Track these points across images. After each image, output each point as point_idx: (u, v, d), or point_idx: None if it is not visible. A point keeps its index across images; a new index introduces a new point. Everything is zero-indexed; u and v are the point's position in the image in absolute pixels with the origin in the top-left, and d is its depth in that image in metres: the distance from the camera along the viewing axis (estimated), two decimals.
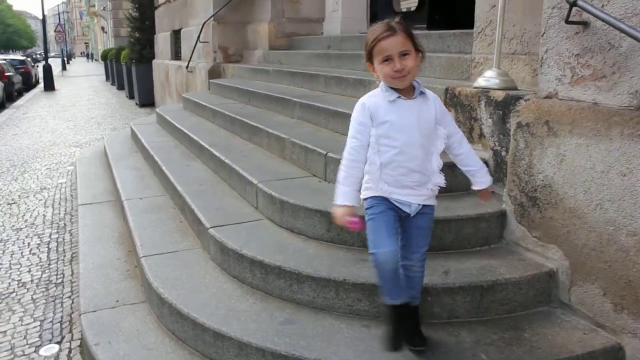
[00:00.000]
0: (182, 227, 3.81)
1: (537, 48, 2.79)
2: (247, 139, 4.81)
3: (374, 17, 7.19)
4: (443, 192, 3.09)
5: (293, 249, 2.89)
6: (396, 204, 2.17)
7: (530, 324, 2.49)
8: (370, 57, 2.11)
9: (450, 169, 3.12)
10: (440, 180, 2.21)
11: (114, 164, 5.94)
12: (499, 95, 3.02)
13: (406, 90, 2.13)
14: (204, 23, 8.43)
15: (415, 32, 2.15)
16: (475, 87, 3.25)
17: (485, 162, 3.15)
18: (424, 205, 2.21)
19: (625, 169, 2.24)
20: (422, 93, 2.16)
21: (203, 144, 4.81)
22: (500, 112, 2.99)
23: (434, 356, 2.25)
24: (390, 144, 2.12)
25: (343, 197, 2.16)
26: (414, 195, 2.17)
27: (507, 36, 3.42)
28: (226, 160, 4.12)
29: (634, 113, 2.24)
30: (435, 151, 2.19)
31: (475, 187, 2.38)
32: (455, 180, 3.13)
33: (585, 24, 2.44)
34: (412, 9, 6.49)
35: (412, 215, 2.20)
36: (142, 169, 5.61)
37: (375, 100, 2.16)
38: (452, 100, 3.41)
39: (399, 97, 2.12)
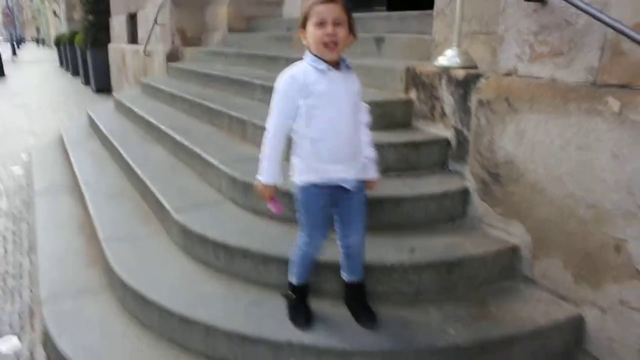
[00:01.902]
0: (144, 212, 3.74)
1: (496, 27, 2.81)
2: (208, 122, 4.74)
3: None
4: (408, 170, 3.14)
5: (258, 230, 2.87)
6: (332, 183, 2.16)
7: (496, 299, 2.53)
8: (305, 23, 2.10)
9: (414, 147, 3.17)
10: (370, 151, 2.27)
11: (71, 151, 5.77)
12: (460, 73, 3.04)
13: (333, 63, 2.13)
14: (161, 5, 8.22)
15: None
16: (436, 66, 3.26)
17: (448, 141, 3.19)
18: (359, 181, 2.23)
19: (583, 143, 2.29)
20: (347, 67, 2.18)
21: (163, 128, 4.72)
22: (462, 91, 3.02)
23: (402, 333, 2.27)
24: (322, 115, 2.10)
25: (270, 176, 2.18)
26: (349, 169, 2.17)
27: (467, 16, 3.43)
28: (186, 144, 4.05)
29: (590, 88, 2.29)
30: (363, 122, 2.25)
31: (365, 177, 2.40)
32: (419, 159, 3.16)
33: (543, 2, 2.47)
34: None
35: (351, 190, 2.20)
36: (101, 155, 5.47)
37: (303, 71, 2.12)
38: (413, 80, 3.42)
39: (328, 67, 2.11)
